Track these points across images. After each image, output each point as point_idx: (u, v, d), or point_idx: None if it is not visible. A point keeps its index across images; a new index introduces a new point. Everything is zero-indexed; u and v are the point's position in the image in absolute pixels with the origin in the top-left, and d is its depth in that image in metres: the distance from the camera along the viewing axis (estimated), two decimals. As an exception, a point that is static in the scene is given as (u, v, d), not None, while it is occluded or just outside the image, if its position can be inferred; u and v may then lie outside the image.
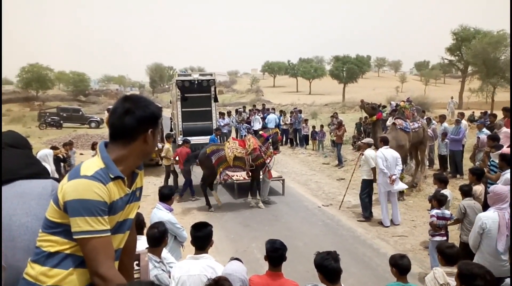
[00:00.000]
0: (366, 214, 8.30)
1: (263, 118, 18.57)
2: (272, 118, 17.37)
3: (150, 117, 1.73)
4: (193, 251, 3.31)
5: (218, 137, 13.00)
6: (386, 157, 7.77)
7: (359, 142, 8.39)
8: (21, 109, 42.06)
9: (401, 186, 8.01)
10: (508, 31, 26.01)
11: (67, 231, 1.60)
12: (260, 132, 9.80)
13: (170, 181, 10.69)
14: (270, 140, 9.45)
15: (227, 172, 9.21)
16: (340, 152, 13.84)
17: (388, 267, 3.76)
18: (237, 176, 10.03)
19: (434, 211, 5.61)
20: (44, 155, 7.62)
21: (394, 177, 7.69)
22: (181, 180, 10.53)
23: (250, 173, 9.28)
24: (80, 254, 1.62)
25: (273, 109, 20.80)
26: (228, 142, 9.49)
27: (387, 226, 7.86)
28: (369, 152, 8.13)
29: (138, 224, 3.56)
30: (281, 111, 20.57)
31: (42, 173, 2.04)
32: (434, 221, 5.51)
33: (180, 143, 11.11)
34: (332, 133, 15.60)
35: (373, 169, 8.04)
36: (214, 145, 9.38)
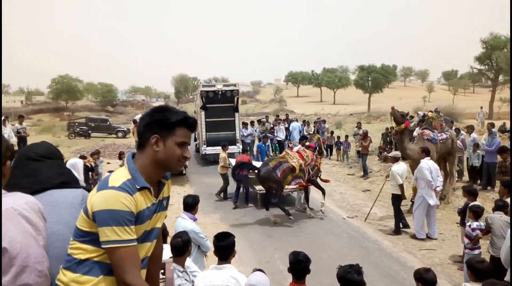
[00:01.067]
0: (395, 229, 8.05)
1: (287, 128, 18.61)
2: (296, 125, 17.92)
3: (156, 123, 1.73)
4: (216, 261, 3.32)
5: (265, 144, 13.11)
6: (431, 168, 7.55)
7: (385, 153, 8.18)
8: (51, 119, 43.48)
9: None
10: None
11: (96, 240, 1.65)
12: (307, 144, 9.81)
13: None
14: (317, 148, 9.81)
15: (296, 180, 9.09)
16: (365, 162, 13.63)
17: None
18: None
19: (475, 224, 5.43)
20: (73, 164, 7.82)
21: (438, 189, 7.50)
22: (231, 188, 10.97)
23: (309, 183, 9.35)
24: (109, 262, 1.66)
25: (296, 119, 21.05)
26: (288, 153, 9.36)
27: (418, 239, 7.66)
28: (397, 167, 7.90)
29: (161, 232, 3.60)
30: (304, 121, 20.55)
31: (73, 182, 2.10)
32: (479, 234, 5.35)
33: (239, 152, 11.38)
34: (357, 144, 15.42)
35: (401, 186, 7.80)
36: (274, 160, 9.19)
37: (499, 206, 5.33)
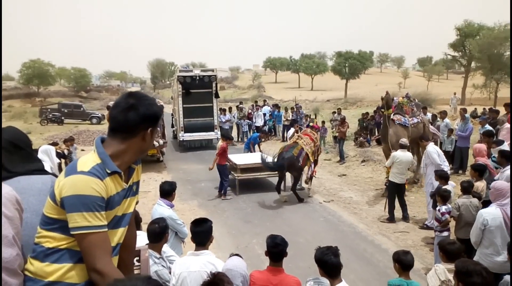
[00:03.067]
0: (389, 217, 7.99)
1: (265, 114, 18.83)
2: (266, 109, 19.72)
3: (152, 116, 1.75)
4: (194, 248, 3.31)
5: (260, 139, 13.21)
6: (438, 152, 7.57)
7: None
8: (23, 105, 42.13)
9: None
10: None
11: (64, 227, 1.60)
12: (311, 124, 10.42)
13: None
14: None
15: (311, 168, 9.54)
16: (342, 148, 13.81)
17: (390, 263, 3.76)
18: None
19: (444, 208, 5.58)
20: (46, 150, 7.62)
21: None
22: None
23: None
24: (78, 249, 1.62)
25: (265, 101, 23.43)
26: (301, 137, 9.53)
27: (392, 222, 7.84)
28: (398, 153, 7.77)
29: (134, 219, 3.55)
30: (274, 105, 21.20)
31: (41, 170, 2.03)
32: (447, 218, 5.50)
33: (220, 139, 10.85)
34: (334, 129, 15.57)
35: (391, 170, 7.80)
36: (295, 148, 9.17)
37: (465, 188, 5.51)
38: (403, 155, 7.77)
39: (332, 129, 16.16)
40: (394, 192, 7.93)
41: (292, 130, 12.02)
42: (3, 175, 1.84)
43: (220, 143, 9.76)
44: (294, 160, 8.98)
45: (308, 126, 10.53)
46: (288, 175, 9.83)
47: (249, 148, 13.25)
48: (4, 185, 1.61)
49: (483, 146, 6.88)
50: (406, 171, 8.02)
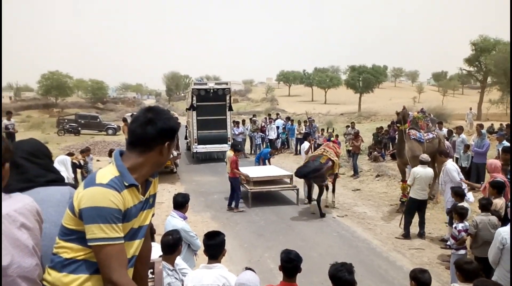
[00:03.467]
0: (405, 233, 7.84)
1: (278, 127, 18.83)
2: (279, 122, 19.57)
3: (170, 130, 1.78)
4: (207, 260, 3.30)
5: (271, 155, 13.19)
6: (457, 169, 7.46)
7: (375, 153, 8.11)
8: (41, 116, 42.91)
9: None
10: None
11: (82, 238, 1.62)
12: (332, 139, 10.77)
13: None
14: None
15: (331, 176, 9.69)
16: (356, 162, 13.70)
17: (404, 280, 3.70)
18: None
19: (460, 225, 5.47)
20: (63, 160, 7.76)
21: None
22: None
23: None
24: (95, 260, 1.64)
25: (278, 114, 23.25)
26: (326, 150, 9.65)
27: (407, 238, 7.71)
28: (418, 169, 7.63)
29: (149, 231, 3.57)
30: (287, 118, 21.23)
31: (60, 181, 2.07)
32: (464, 236, 5.38)
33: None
34: (348, 143, 15.47)
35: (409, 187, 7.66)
36: (322, 158, 9.30)
37: (483, 205, 5.38)
38: (424, 171, 7.63)
39: (345, 143, 16.05)
40: (414, 208, 7.76)
41: (306, 143, 11.98)
42: (23, 186, 1.88)
43: (230, 155, 9.69)
44: (322, 168, 9.06)
45: (329, 140, 10.75)
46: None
47: (259, 162, 13.16)
48: (25, 196, 1.64)
49: (498, 162, 6.72)
50: (427, 187, 7.87)
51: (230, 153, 9.81)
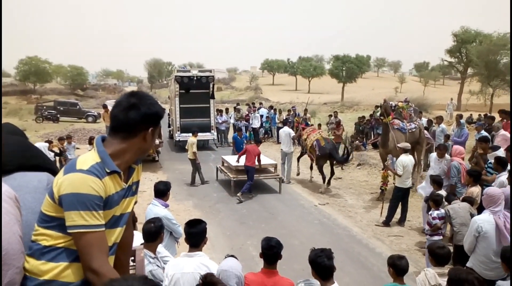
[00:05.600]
0: (387, 220, 7.98)
1: (262, 116, 18.80)
2: (263, 111, 19.70)
3: (154, 116, 1.74)
4: (188, 248, 3.30)
5: (240, 137, 12.95)
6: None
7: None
8: (18, 102, 41.77)
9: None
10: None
11: (62, 225, 1.59)
12: (309, 123, 12.07)
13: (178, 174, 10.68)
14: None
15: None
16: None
17: (383, 267, 3.77)
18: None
19: (436, 213, 5.62)
20: (41, 147, 7.58)
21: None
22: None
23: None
24: (75, 248, 1.61)
25: (261, 103, 23.62)
26: (320, 133, 11.09)
27: (386, 226, 7.88)
28: (404, 158, 7.71)
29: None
30: (270, 106, 21.22)
31: (42, 165, 1.99)
32: (438, 223, 5.54)
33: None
34: (330, 132, 15.59)
35: (399, 177, 7.70)
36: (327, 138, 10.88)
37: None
38: (409, 159, 7.85)
39: (328, 132, 16.17)
40: (400, 197, 7.90)
41: (286, 128, 11.94)
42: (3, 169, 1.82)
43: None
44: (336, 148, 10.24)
45: (307, 124, 12.49)
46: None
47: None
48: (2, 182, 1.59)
49: (462, 149, 7.49)
50: (410, 175, 8.03)
51: (192, 139, 10.72)
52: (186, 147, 10.97)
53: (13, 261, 1.47)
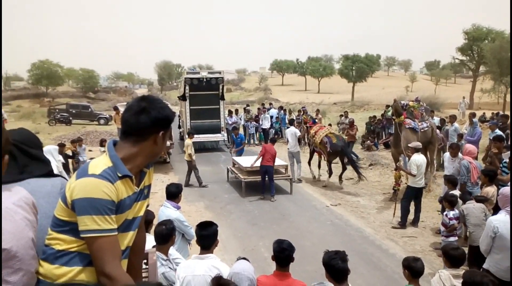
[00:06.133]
0: (402, 222, 7.83)
1: (272, 117, 18.76)
2: (273, 112, 19.70)
3: (164, 119, 1.74)
4: (199, 250, 3.29)
5: (236, 136, 12.90)
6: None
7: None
8: (31, 105, 42.37)
9: None
10: None
11: (75, 230, 1.60)
12: (316, 120, 12.29)
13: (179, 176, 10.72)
14: None
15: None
16: (352, 150, 13.85)
17: (397, 268, 3.73)
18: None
19: (451, 213, 5.54)
20: (48, 150, 7.63)
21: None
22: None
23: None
24: (88, 252, 1.61)
25: (270, 104, 23.62)
26: (329, 129, 11.45)
27: (400, 226, 7.77)
28: (416, 158, 7.60)
29: (146, 221, 3.55)
30: (280, 107, 21.27)
31: (51, 173, 2.02)
32: (454, 224, 5.46)
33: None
34: (341, 132, 15.47)
35: (413, 177, 7.56)
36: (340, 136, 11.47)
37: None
38: (422, 159, 7.75)
39: (339, 132, 16.08)
40: (412, 196, 7.79)
41: (292, 128, 11.88)
42: (14, 178, 1.83)
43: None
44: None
45: (314, 122, 12.35)
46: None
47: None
48: (20, 188, 1.61)
49: (474, 148, 7.43)
50: (423, 174, 7.92)
51: (188, 141, 10.80)
52: (184, 149, 10.93)
53: (27, 266, 1.48)
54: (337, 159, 11.32)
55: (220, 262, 3.21)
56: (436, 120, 12.69)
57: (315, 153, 11.66)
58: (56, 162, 7.27)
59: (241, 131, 18.81)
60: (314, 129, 11.44)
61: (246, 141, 18.43)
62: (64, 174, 7.78)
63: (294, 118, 15.28)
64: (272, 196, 9.68)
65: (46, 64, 51.67)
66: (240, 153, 12.43)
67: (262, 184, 9.74)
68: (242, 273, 3.02)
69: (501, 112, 16.95)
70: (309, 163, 11.94)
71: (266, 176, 9.67)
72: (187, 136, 11.20)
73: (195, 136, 15.71)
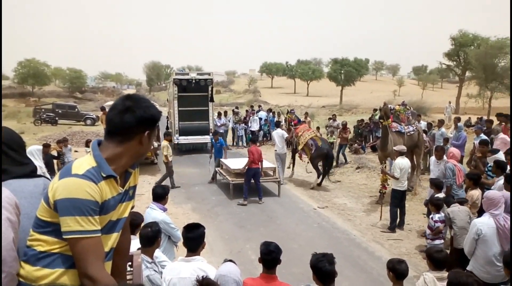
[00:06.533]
0: (391, 226, 7.86)
1: (261, 119, 18.80)
2: (262, 114, 19.69)
3: (149, 119, 1.72)
4: (186, 252, 3.26)
5: (216, 141, 12.70)
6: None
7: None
8: (17, 105, 41.70)
9: None
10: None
11: (57, 231, 1.57)
12: (302, 120, 12.73)
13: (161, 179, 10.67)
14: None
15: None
16: (344, 152, 14.19)
17: (383, 271, 3.74)
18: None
19: (437, 216, 5.60)
20: (31, 151, 7.49)
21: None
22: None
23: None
24: (71, 254, 1.58)
25: (260, 106, 23.51)
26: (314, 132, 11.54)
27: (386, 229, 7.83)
28: (400, 161, 7.68)
29: (133, 224, 3.50)
30: (269, 109, 21.40)
31: (34, 172, 1.98)
32: (440, 227, 5.53)
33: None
34: (329, 135, 15.52)
35: (396, 180, 7.63)
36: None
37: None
38: (406, 162, 7.83)
39: (327, 135, 16.16)
40: (398, 199, 7.84)
41: (279, 130, 11.87)
42: None
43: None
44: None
45: (299, 121, 12.56)
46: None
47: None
48: (3, 188, 1.57)
49: (458, 151, 7.57)
50: (406, 177, 8.01)
51: (165, 142, 10.72)
52: (164, 153, 10.64)
53: (8, 268, 1.45)
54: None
55: (206, 264, 3.19)
56: (423, 124, 12.84)
57: (297, 154, 11.91)
58: (39, 162, 7.13)
59: (230, 133, 18.82)
60: (302, 130, 11.51)
61: (235, 143, 18.43)
62: (47, 174, 7.65)
63: (282, 121, 15.35)
64: (259, 198, 9.66)
65: (32, 63, 50.90)
66: (219, 156, 12.11)
67: (246, 188, 9.57)
68: (228, 275, 3.01)
69: (485, 117, 17.22)
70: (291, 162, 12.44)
71: (253, 179, 9.64)
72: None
73: (183, 137, 15.72)
